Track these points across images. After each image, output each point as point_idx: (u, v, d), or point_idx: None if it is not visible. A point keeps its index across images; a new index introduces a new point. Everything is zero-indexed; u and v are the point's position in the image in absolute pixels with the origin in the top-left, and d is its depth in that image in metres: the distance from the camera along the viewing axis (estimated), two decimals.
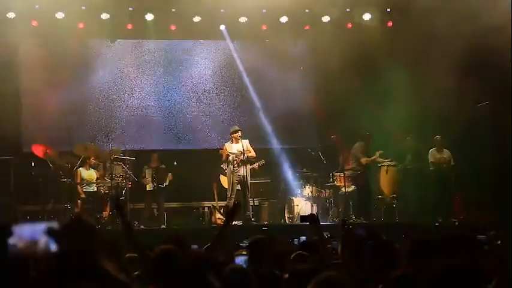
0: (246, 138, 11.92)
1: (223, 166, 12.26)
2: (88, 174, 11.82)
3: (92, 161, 11.89)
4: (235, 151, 11.78)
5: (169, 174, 12.52)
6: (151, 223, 12.19)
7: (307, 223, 5.04)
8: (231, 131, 12.02)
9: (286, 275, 4.08)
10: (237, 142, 11.84)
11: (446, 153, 12.29)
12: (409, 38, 12.63)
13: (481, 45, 11.23)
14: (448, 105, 12.10)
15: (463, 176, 12.14)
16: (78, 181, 11.65)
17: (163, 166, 12.55)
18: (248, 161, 11.84)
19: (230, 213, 5.30)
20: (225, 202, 11.99)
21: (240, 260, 4.66)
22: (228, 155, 11.80)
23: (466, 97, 12.16)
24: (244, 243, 6.31)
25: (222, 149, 12.05)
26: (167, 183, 12.44)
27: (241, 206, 11.56)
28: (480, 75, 11.89)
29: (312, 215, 5.17)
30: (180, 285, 2.93)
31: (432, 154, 12.30)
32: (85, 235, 3.23)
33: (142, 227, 11.95)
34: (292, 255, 5.02)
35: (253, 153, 11.90)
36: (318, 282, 2.91)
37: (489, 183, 12.03)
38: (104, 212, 11.54)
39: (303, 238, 6.89)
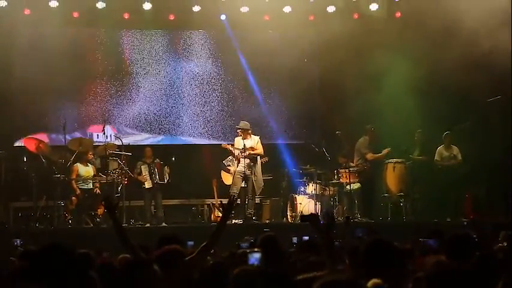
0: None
1: (225, 162, 11.81)
2: (86, 170, 11.38)
3: (90, 156, 11.41)
4: (241, 147, 11.32)
5: (166, 167, 11.97)
6: (148, 221, 11.69)
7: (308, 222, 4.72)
8: (240, 126, 11.55)
9: None
10: (245, 138, 11.36)
11: (454, 149, 11.83)
12: (418, 30, 12.12)
13: (492, 37, 10.76)
14: (458, 100, 11.63)
15: (473, 174, 11.67)
16: (74, 177, 11.19)
17: (157, 160, 11.99)
18: (251, 157, 11.35)
19: (227, 209, 5.15)
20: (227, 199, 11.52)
21: (255, 258, 4.37)
22: (231, 151, 11.38)
23: (477, 92, 11.67)
24: (245, 244, 6.00)
25: (223, 144, 11.67)
26: (168, 179, 11.88)
27: (243, 203, 11.22)
28: (491, 69, 11.39)
29: (312, 214, 4.87)
30: None
31: (439, 152, 11.83)
32: None
33: (140, 223, 11.55)
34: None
35: (259, 151, 11.45)
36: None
37: (500, 182, 11.55)
38: (98, 210, 11.05)
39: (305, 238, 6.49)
